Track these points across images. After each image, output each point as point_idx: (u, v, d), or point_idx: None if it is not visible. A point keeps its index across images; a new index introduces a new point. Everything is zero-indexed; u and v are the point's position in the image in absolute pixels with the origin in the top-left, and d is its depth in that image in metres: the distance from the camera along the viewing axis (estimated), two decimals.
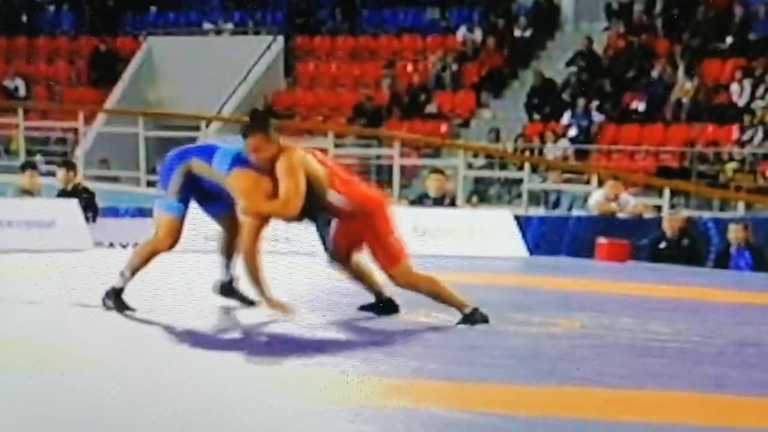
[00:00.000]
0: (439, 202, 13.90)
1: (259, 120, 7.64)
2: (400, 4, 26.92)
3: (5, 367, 5.70)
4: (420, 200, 14.24)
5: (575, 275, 11.30)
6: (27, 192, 13.63)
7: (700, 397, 5.65)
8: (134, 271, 7.90)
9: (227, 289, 8.19)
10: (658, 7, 23.72)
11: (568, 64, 23.46)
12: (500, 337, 7.38)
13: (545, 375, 6.07)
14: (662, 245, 14.50)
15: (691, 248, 14.49)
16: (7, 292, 8.42)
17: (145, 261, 7.94)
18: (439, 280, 7.76)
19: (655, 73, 22.21)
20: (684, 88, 21.65)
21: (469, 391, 5.64)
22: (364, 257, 7.92)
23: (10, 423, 4.57)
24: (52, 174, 16.71)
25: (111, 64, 26.85)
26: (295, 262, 11.78)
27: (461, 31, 25.10)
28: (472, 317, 7.64)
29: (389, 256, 7.71)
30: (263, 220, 7.51)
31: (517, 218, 14.02)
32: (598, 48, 23.50)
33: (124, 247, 13.21)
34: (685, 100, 21.50)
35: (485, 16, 25.59)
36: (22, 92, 26.57)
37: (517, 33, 24.82)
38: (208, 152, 7.70)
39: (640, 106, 21.85)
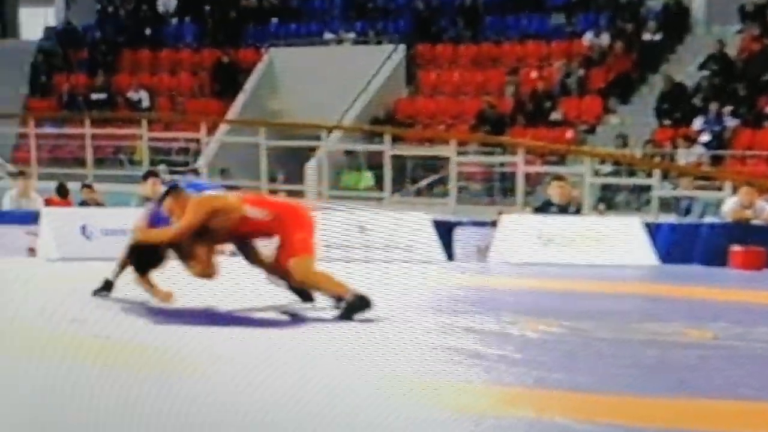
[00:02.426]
0: (563, 209, 13.74)
1: (171, 189, 9.14)
2: (523, 11, 26.75)
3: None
4: (544, 208, 14.10)
5: (708, 284, 11.05)
6: (150, 200, 13.80)
7: None
8: None
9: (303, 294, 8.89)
10: None
11: (701, 67, 23.08)
12: (629, 347, 7.24)
13: (675, 386, 5.92)
14: None
15: None
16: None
17: None
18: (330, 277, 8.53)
19: None
20: None
21: (595, 402, 5.52)
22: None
23: None
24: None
25: (233, 76, 27.16)
26: (415, 269, 11.79)
27: (588, 36, 24.83)
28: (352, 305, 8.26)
29: (290, 251, 8.62)
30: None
31: (646, 226, 13.80)
32: (731, 51, 23.07)
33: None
34: None
35: (613, 20, 25.31)
36: (145, 104, 27.02)
37: (646, 37, 24.50)
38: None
39: None
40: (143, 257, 8.97)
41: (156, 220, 9.13)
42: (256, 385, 5.64)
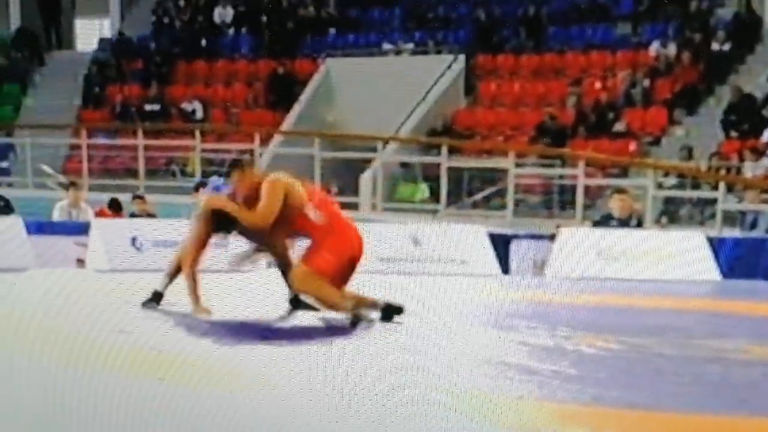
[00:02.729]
0: (624, 223, 13.63)
1: (236, 164, 9.46)
2: (588, 20, 26.62)
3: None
4: (605, 221, 14.00)
5: None
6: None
7: None
8: None
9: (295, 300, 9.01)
10: None
11: None
12: (689, 364, 7.16)
13: (737, 404, 5.84)
14: None
15: None
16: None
17: None
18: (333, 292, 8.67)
19: None
20: None
21: (653, 421, 5.47)
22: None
23: None
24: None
25: (289, 86, 27.25)
26: (469, 283, 11.74)
27: (654, 46, 24.68)
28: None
29: (308, 260, 8.81)
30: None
31: (710, 240, 13.66)
32: None
33: None
34: None
35: (681, 30, 25.14)
36: (199, 115, 27.17)
37: (714, 47, 24.31)
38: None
39: None
40: (221, 219, 9.04)
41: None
42: (304, 403, 5.62)
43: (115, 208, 15.94)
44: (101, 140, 24.73)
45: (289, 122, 26.16)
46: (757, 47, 24.42)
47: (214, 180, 9.92)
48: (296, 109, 26.42)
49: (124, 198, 16.23)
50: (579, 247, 12.43)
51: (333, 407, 5.40)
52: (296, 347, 7.54)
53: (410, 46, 27.43)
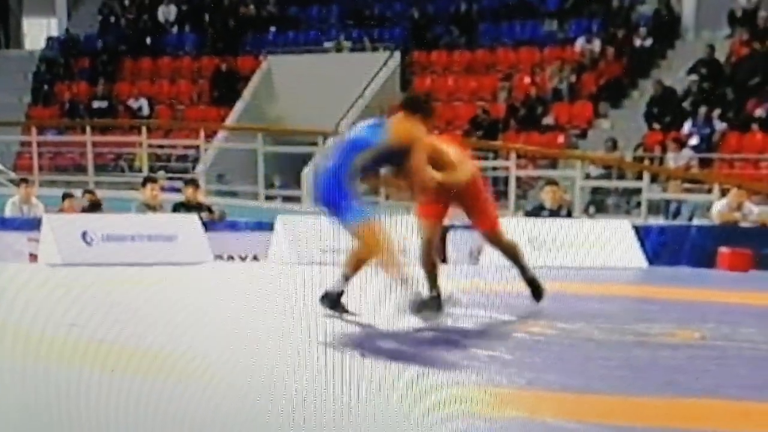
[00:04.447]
0: (555, 213, 13.74)
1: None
2: (517, 17, 26.76)
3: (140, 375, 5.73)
4: (536, 211, 14.09)
5: (696, 285, 11.03)
6: (149, 206, 13.84)
7: None
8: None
9: (335, 301, 8.35)
10: None
11: (690, 72, 23.07)
12: (618, 348, 7.24)
13: (663, 386, 5.91)
14: None
15: None
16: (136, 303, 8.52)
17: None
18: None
19: None
20: None
21: (585, 403, 5.52)
22: None
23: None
24: (176, 190, 16.98)
25: (232, 83, 27.16)
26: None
27: (579, 42, 24.84)
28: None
29: (490, 218, 8.69)
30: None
31: (636, 228, 13.79)
32: (720, 56, 23.07)
33: (243, 259, 13.35)
34: None
35: (604, 26, 25.31)
36: (145, 111, 27.04)
37: (636, 42, 24.50)
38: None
39: (764, 113, 21.37)
40: None
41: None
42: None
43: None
44: (51, 137, 24.53)
45: (232, 118, 26.09)
46: (677, 43, 24.65)
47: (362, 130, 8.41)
48: (239, 105, 26.37)
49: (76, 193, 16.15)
50: (512, 237, 12.48)
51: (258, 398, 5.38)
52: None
53: (348, 43, 27.44)
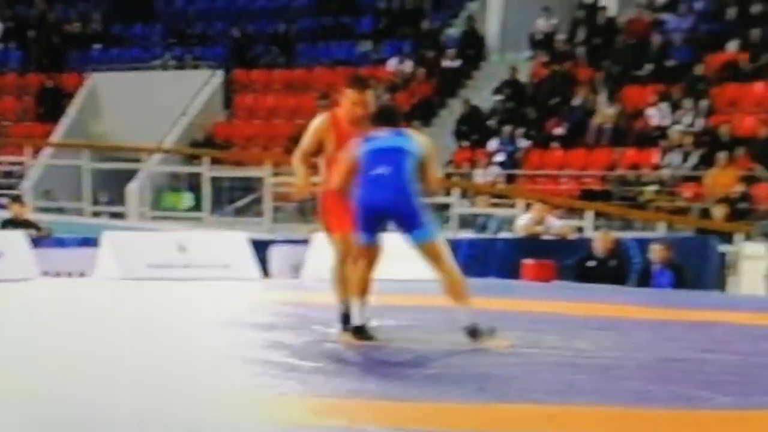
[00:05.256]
0: None
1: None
2: (333, 39, 26.95)
3: None
4: None
5: (503, 295, 11.26)
6: None
7: (625, 411, 5.62)
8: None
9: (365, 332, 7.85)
10: (580, 37, 23.91)
11: (495, 92, 23.58)
12: (433, 357, 7.37)
13: (475, 393, 6.03)
14: (590, 264, 14.54)
15: (617, 268, 14.55)
16: None
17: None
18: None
19: (577, 100, 22.36)
20: (605, 113, 21.79)
21: (403, 410, 5.61)
22: None
23: None
24: (2, 206, 16.57)
25: (57, 100, 26.64)
26: (234, 287, 11.72)
27: (392, 63, 25.14)
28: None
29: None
30: None
31: (448, 241, 13.93)
32: (523, 77, 23.64)
33: (70, 276, 13.12)
34: (606, 125, 21.65)
35: (415, 48, 25.68)
36: None
37: (445, 63, 24.91)
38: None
39: (563, 131, 21.96)
40: None
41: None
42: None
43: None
44: None
45: (58, 134, 25.60)
46: (482, 64, 25.17)
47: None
48: (65, 121, 25.88)
49: None
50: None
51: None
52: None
53: (172, 61, 27.23)
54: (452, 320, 7.88)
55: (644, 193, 19.87)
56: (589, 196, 19.83)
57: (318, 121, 8.06)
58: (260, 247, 13.61)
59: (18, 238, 12.65)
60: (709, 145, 20.17)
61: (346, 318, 7.88)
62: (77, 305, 8.66)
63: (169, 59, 27.00)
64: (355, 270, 7.77)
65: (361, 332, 7.73)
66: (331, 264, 8.06)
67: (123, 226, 18.63)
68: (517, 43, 24.97)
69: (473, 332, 7.65)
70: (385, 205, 7.64)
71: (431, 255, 7.82)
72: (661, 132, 21.08)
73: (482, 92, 24.03)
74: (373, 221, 7.72)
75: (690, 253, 15.00)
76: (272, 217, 19.25)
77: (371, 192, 7.65)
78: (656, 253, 14.25)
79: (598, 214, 17.76)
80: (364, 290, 7.78)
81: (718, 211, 17.11)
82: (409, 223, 7.72)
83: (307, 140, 8.03)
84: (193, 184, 21.27)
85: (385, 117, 7.94)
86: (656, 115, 21.42)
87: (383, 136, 7.80)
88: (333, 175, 7.87)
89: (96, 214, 20.96)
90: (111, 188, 22.01)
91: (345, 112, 7.99)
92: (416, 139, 7.93)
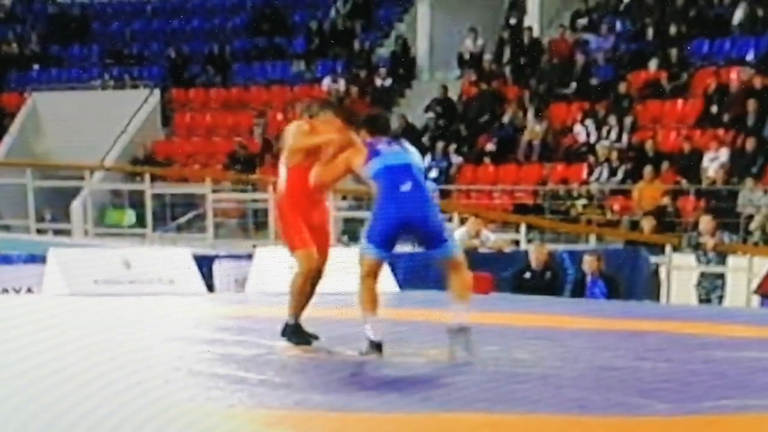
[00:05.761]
0: None
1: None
2: (267, 59, 26.94)
3: None
4: None
5: (442, 307, 11.27)
6: None
7: (564, 419, 5.67)
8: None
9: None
10: (506, 56, 24.10)
11: (426, 110, 23.68)
12: (376, 368, 7.37)
13: (420, 402, 6.05)
14: (527, 276, 14.62)
15: (552, 279, 14.65)
16: None
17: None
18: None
19: (506, 117, 22.52)
20: (534, 130, 21.98)
21: (349, 421, 5.61)
22: None
23: None
24: None
25: None
26: (180, 302, 11.63)
27: (326, 82, 25.17)
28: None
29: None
30: None
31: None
32: (453, 95, 23.77)
33: (17, 291, 12.97)
34: (535, 141, 21.83)
35: (348, 67, 25.73)
36: None
37: (378, 82, 24.98)
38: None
39: (493, 147, 22.10)
40: None
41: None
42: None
43: None
44: None
45: (0, 153, 25.38)
46: (414, 83, 25.31)
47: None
48: (7, 140, 25.70)
49: None
50: (274, 265, 12.54)
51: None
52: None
53: (110, 81, 27.09)
54: (394, 333, 7.89)
55: (575, 206, 20.05)
56: (521, 210, 19.98)
57: (305, 128, 8.01)
58: (204, 263, 13.53)
59: None
60: (635, 160, 20.42)
61: (296, 330, 7.86)
62: (24, 321, 8.51)
63: (108, 79, 26.84)
64: (366, 288, 7.71)
65: (381, 348, 7.59)
66: (293, 278, 7.99)
67: (68, 243, 18.47)
68: (446, 63, 25.14)
69: (463, 330, 7.59)
70: (416, 222, 7.58)
71: (453, 267, 7.80)
72: (589, 148, 21.30)
73: (415, 110, 24.14)
74: (396, 237, 7.70)
75: (621, 265, 15.15)
76: (214, 232, 19.18)
77: (402, 208, 7.55)
78: (589, 264, 14.37)
79: (531, 227, 17.88)
80: (377, 306, 7.69)
81: (647, 224, 17.31)
82: (435, 239, 7.70)
83: (307, 140, 7.96)
84: (135, 201, 21.15)
85: (380, 126, 7.89)
86: (582, 131, 21.64)
87: (396, 150, 7.71)
88: (324, 174, 7.90)
89: (41, 232, 20.77)
90: (55, 206, 21.82)
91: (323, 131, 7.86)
92: (415, 152, 7.90)
